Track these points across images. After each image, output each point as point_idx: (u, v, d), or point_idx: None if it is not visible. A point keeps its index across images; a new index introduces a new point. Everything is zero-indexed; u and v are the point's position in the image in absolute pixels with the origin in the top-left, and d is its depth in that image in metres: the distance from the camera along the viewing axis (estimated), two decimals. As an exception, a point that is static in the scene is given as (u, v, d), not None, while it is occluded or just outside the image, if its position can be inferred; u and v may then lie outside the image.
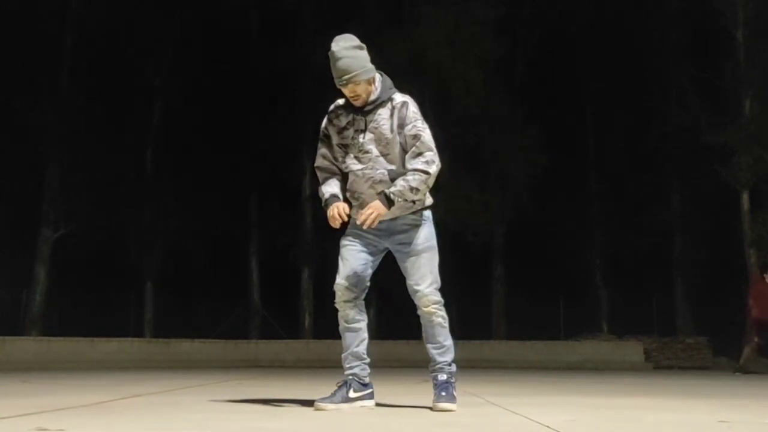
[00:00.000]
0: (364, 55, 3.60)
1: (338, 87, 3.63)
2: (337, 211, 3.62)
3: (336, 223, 3.63)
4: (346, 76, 3.54)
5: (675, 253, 20.23)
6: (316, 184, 3.91)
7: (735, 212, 17.20)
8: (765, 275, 12.08)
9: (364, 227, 3.57)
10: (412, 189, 3.55)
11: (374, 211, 3.53)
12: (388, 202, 3.54)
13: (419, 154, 3.61)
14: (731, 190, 17.03)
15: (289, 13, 20.09)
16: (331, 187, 3.78)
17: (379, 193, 3.61)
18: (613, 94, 20.66)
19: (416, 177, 3.56)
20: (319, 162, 3.86)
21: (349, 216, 3.74)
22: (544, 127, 18.90)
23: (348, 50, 3.56)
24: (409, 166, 3.61)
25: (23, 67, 17.23)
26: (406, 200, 3.57)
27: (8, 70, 16.98)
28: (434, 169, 3.59)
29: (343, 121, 3.74)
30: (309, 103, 18.50)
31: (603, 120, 21.24)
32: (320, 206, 3.77)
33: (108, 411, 3.55)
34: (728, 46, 17.23)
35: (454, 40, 18.08)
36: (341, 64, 3.55)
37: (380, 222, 3.71)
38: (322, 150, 3.84)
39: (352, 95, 3.62)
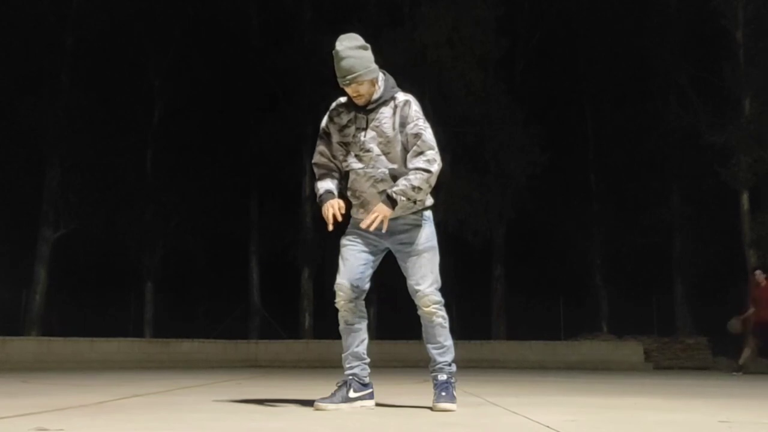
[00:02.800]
0: (368, 55, 3.60)
1: (341, 86, 3.63)
2: (332, 212, 3.61)
3: (330, 220, 3.62)
4: (349, 76, 3.54)
5: (675, 253, 20.23)
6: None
7: (735, 212, 17.20)
8: (755, 273, 12.12)
9: (371, 230, 3.56)
10: (414, 188, 3.54)
11: (379, 213, 3.53)
12: (391, 202, 3.53)
13: (420, 153, 3.60)
14: (731, 190, 17.03)
15: (289, 13, 20.09)
16: (326, 183, 3.77)
17: (380, 192, 3.62)
18: (613, 94, 20.69)
19: (418, 176, 3.55)
20: (317, 159, 3.85)
21: (348, 215, 3.74)
22: (544, 126, 18.91)
23: (352, 50, 3.55)
24: (410, 165, 3.61)
25: (24, 67, 17.24)
26: (408, 199, 3.56)
27: (9, 70, 16.99)
28: (436, 168, 3.59)
29: (345, 119, 3.73)
30: (309, 103, 18.52)
31: (603, 120, 21.25)
32: (320, 206, 3.76)
33: (108, 411, 3.54)
34: (728, 46, 17.22)
35: (454, 40, 18.07)
36: (345, 63, 3.54)
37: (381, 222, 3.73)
38: (321, 147, 3.83)
39: (355, 95, 3.62)
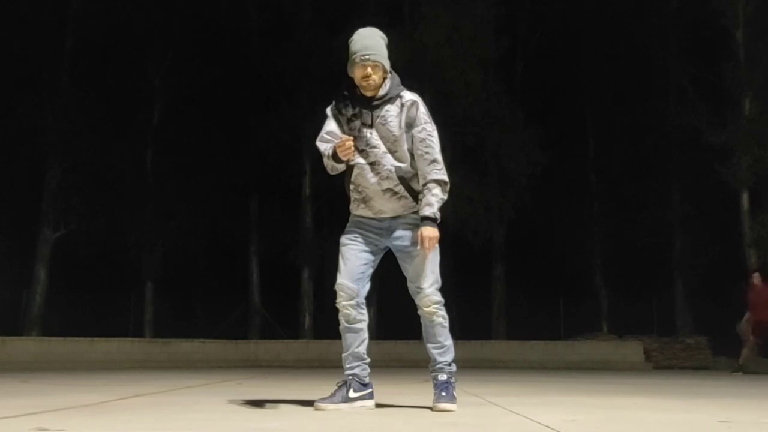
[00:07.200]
0: (386, 47, 3.68)
1: (354, 65, 3.60)
2: (348, 143, 3.53)
3: (350, 150, 3.56)
4: (368, 53, 3.56)
5: (675, 253, 20.23)
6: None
7: (735, 212, 17.20)
8: (753, 275, 12.17)
9: (429, 250, 3.60)
10: (442, 200, 3.65)
11: (429, 237, 3.56)
12: (433, 222, 3.59)
13: (433, 161, 3.63)
14: (731, 190, 17.03)
15: (289, 13, 20.08)
16: (330, 144, 3.70)
17: (384, 191, 3.64)
18: (613, 94, 20.68)
19: (442, 188, 3.64)
20: (321, 140, 3.76)
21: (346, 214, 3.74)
22: (544, 127, 18.90)
23: (377, 36, 3.66)
24: (427, 175, 3.63)
25: (23, 68, 17.23)
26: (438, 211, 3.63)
27: (9, 70, 16.99)
28: (447, 177, 3.67)
29: (350, 111, 3.71)
30: (309, 103, 18.50)
31: (603, 120, 21.25)
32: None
33: (108, 411, 3.55)
34: (728, 46, 17.22)
35: (454, 40, 18.06)
36: (368, 41, 3.60)
37: (381, 221, 3.73)
38: (329, 128, 3.75)
39: (364, 77, 3.60)
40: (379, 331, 17.32)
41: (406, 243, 3.70)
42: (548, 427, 2.92)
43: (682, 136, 18.44)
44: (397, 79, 3.73)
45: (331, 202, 18.09)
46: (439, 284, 3.73)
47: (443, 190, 3.64)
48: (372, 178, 3.67)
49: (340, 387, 3.73)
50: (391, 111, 3.66)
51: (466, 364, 11.53)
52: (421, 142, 3.64)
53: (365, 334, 3.79)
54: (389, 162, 3.66)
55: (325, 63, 17.12)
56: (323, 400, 3.66)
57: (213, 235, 20.35)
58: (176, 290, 20.18)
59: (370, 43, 3.60)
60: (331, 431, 2.77)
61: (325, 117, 3.83)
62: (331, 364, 10.83)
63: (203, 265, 21.55)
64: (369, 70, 3.58)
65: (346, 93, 3.74)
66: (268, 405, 3.91)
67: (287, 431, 2.77)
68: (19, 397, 4.61)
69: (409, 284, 3.76)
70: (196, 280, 21.95)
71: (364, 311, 3.79)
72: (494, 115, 18.62)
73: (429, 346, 3.78)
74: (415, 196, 3.69)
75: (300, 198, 19.86)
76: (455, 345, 3.89)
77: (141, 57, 19.42)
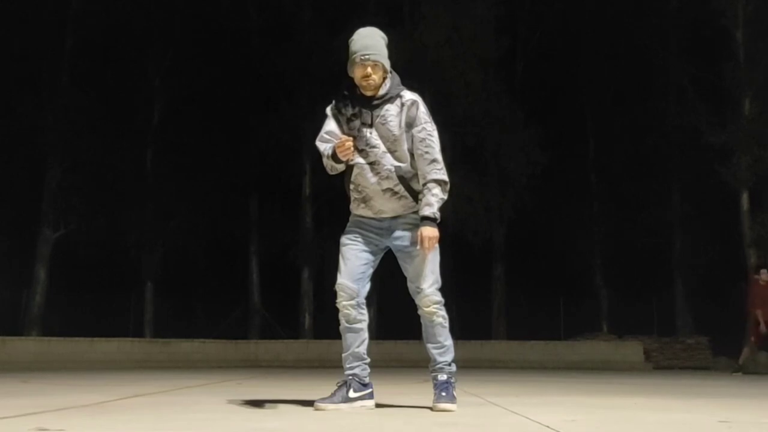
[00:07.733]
0: (386, 47, 3.67)
1: (354, 65, 3.60)
2: (348, 144, 3.52)
3: (349, 151, 3.56)
4: (368, 52, 3.56)
5: (675, 253, 20.22)
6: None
7: (735, 212, 17.20)
8: (761, 272, 12.11)
9: (429, 250, 3.59)
10: (442, 200, 3.64)
11: (429, 237, 3.56)
12: (433, 221, 3.59)
13: (433, 161, 3.63)
14: (731, 190, 17.03)
15: (289, 13, 20.08)
16: (330, 144, 3.69)
17: (384, 191, 3.64)
18: (613, 94, 20.69)
19: (442, 188, 3.64)
20: (321, 141, 3.75)
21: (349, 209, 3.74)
22: (544, 127, 18.90)
23: (377, 36, 3.65)
24: (427, 175, 3.62)
25: (23, 68, 17.23)
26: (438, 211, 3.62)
27: (9, 70, 16.99)
28: (447, 176, 3.66)
29: (350, 111, 3.70)
30: (309, 103, 18.50)
31: (603, 120, 21.25)
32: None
33: (108, 411, 3.55)
34: (728, 46, 17.22)
35: (454, 40, 18.07)
36: (368, 40, 3.60)
37: (382, 221, 3.73)
38: (329, 128, 3.74)
39: (364, 76, 3.60)
40: (379, 331, 17.32)
41: (406, 243, 3.70)
42: (548, 427, 2.92)
43: (682, 136, 18.43)
44: (397, 78, 3.73)
45: (331, 202, 18.09)
46: (439, 284, 3.73)
47: (443, 190, 3.64)
48: (372, 177, 3.67)
49: (340, 387, 3.73)
50: (391, 110, 3.65)
51: (466, 364, 11.54)
52: (421, 141, 3.64)
53: (365, 334, 3.79)
54: (389, 162, 3.65)
55: (325, 63, 17.12)
56: (323, 400, 3.66)
57: (213, 235, 20.35)
58: (176, 290, 20.19)
59: (370, 42, 3.59)
60: (331, 431, 2.77)
61: (325, 117, 3.83)
62: (331, 364, 10.83)
63: (203, 265, 21.56)
64: (369, 69, 3.58)
65: (346, 93, 3.73)
66: (268, 405, 3.91)
67: (287, 431, 2.77)
68: (19, 397, 4.61)
69: (409, 284, 3.76)
70: (196, 280, 21.95)
71: (365, 311, 3.79)
72: (494, 115, 18.62)
73: (429, 346, 3.78)
74: (415, 195, 3.68)
75: (300, 198, 19.85)
76: (455, 345, 3.89)
77: (141, 57, 19.41)
